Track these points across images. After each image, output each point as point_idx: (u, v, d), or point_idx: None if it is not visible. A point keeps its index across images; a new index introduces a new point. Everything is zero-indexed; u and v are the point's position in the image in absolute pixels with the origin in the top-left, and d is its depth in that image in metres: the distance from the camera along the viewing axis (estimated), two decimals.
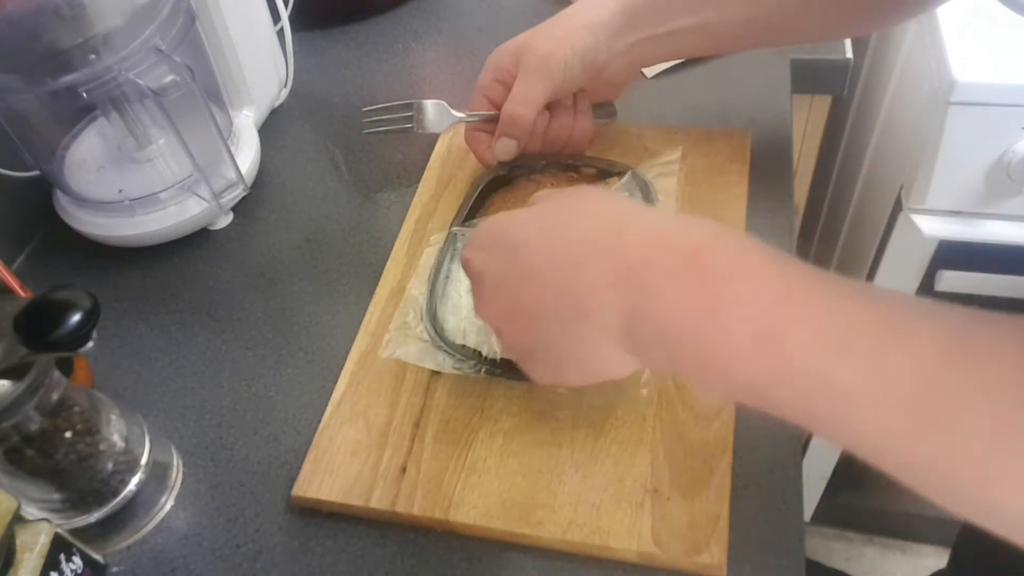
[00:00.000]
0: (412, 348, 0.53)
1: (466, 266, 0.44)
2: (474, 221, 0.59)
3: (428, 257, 0.57)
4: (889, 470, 0.30)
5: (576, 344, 0.39)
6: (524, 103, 0.58)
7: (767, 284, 0.33)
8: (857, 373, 0.30)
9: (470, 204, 0.59)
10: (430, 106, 0.64)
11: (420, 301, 0.54)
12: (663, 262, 0.35)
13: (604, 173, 0.60)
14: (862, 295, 0.32)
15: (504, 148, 0.60)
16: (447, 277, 0.56)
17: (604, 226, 0.39)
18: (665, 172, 0.60)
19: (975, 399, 0.28)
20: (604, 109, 0.65)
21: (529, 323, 0.40)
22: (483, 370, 0.51)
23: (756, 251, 0.35)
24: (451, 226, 0.59)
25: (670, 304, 0.35)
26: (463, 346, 0.51)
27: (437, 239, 0.59)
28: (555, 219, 0.41)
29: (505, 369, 0.50)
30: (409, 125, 0.64)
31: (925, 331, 0.30)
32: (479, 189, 0.60)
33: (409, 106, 0.64)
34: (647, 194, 0.57)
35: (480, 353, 0.51)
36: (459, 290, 0.55)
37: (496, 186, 0.62)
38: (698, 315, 0.34)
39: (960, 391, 0.28)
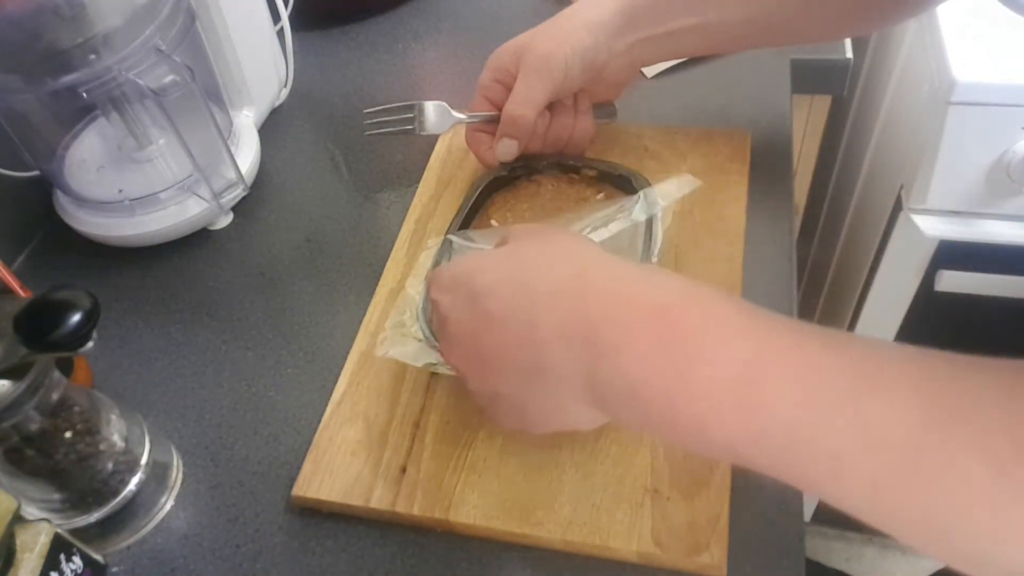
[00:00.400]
0: (407, 347, 0.53)
1: (433, 307, 0.43)
2: (470, 231, 0.58)
3: (426, 259, 0.57)
4: (884, 527, 0.29)
5: (538, 396, 0.38)
6: (525, 103, 0.58)
7: (741, 341, 0.32)
8: (841, 429, 0.29)
9: (470, 204, 0.59)
10: (431, 107, 0.64)
11: (416, 300, 0.54)
12: (627, 319, 0.34)
13: (604, 175, 0.60)
14: (839, 346, 0.31)
15: (505, 149, 0.60)
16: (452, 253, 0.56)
17: (565, 278, 0.37)
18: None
19: (963, 452, 0.27)
20: (604, 109, 0.65)
21: (491, 372, 0.40)
22: None
23: (725, 306, 0.34)
24: (449, 229, 0.59)
25: (637, 363, 0.34)
26: None
27: (435, 242, 0.58)
28: (518, 266, 0.40)
29: None
30: (410, 126, 0.64)
31: (906, 381, 0.29)
32: (479, 189, 0.60)
33: (410, 107, 0.64)
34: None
35: None
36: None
37: (496, 186, 0.62)
38: (669, 375, 0.33)
39: (948, 444, 0.27)
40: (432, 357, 0.52)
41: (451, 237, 0.57)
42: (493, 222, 0.59)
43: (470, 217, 0.60)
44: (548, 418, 0.40)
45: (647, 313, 0.34)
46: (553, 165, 0.62)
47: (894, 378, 0.29)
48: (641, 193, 0.56)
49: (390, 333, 0.55)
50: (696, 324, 0.33)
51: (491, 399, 0.41)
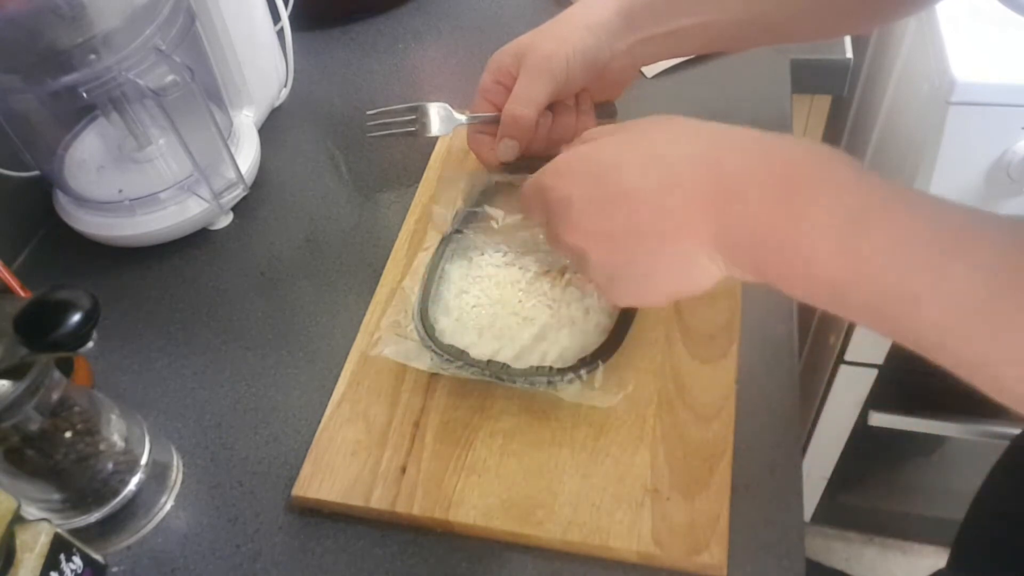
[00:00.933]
0: (402, 347, 0.53)
1: (545, 193, 0.44)
2: (470, 224, 0.59)
3: (425, 259, 0.57)
4: (944, 364, 0.33)
5: (666, 260, 0.41)
6: (526, 103, 0.58)
7: (848, 197, 0.35)
8: (925, 279, 0.33)
9: (470, 205, 0.59)
10: (434, 109, 0.64)
11: (412, 300, 0.54)
12: (758, 175, 0.38)
13: None
14: (937, 209, 0.34)
15: (506, 149, 0.60)
16: (440, 278, 0.56)
17: (700, 143, 0.41)
18: None
19: None
20: (605, 108, 0.65)
21: (620, 243, 0.41)
22: (471, 371, 0.51)
23: (842, 166, 0.37)
24: (449, 227, 0.59)
25: (762, 213, 0.37)
26: (451, 346, 0.51)
27: (433, 242, 0.58)
28: (645, 141, 0.42)
29: (493, 371, 0.50)
30: (412, 128, 0.64)
31: (990, 247, 0.32)
32: (480, 190, 0.60)
33: (413, 109, 0.64)
34: None
35: (468, 353, 0.51)
36: (451, 291, 0.55)
37: (497, 187, 0.62)
38: (785, 224, 0.36)
39: (1017, 301, 0.31)
40: (425, 358, 0.52)
41: (450, 234, 0.57)
42: (493, 223, 0.59)
43: (470, 217, 0.60)
44: (670, 283, 0.42)
45: (773, 169, 0.37)
46: None
47: (979, 242, 0.32)
48: None
49: (385, 333, 0.55)
50: (814, 177, 0.36)
51: (615, 271, 0.43)
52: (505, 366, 0.50)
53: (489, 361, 0.51)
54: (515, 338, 0.52)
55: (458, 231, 0.58)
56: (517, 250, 0.57)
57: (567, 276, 0.55)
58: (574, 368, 0.49)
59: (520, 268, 0.56)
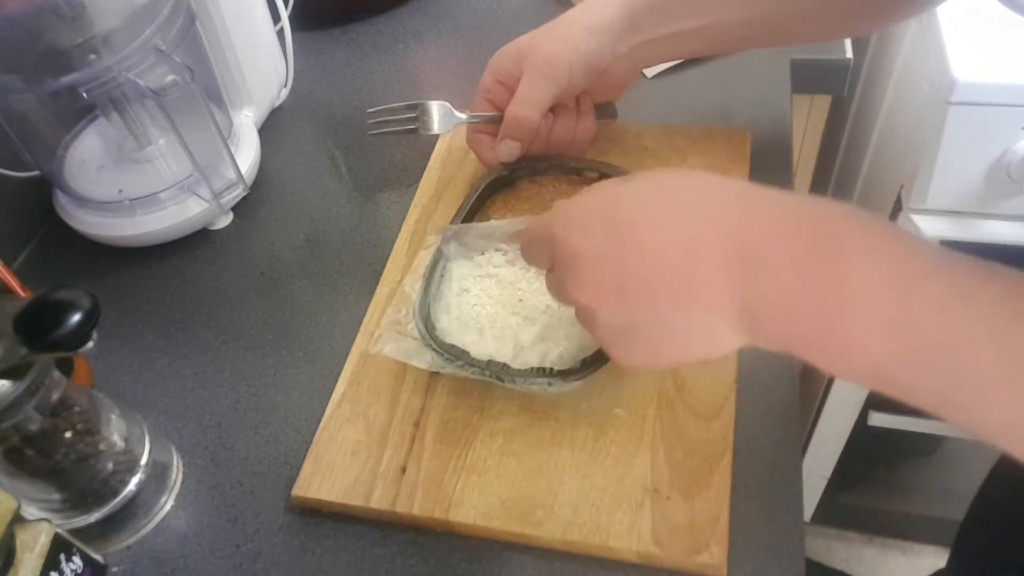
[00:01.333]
0: (402, 345, 0.53)
1: (554, 244, 0.41)
2: (473, 224, 0.59)
3: (425, 258, 0.57)
4: (1017, 453, 0.31)
5: (683, 325, 0.38)
6: (529, 105, 0.58)
7: (896, 263, 0.33)
8: (992, 356, 0.29)
9: (470, 204, 0.59)
10: (434, 107, 0.64)
11: (413, 299, 0.54)
12: (786, 239, 0.35)
13: (606, 177, 0.60)
14: (992, 274, 0.31)
15: (507, 149, 0.60)
16: (442, 276, 0.56)
17: (722, 204, 0.38)
18: None
19: None
20: (605, 109, 0.65)
21: (632, 303, 0.39)
22: (471, 371, 0.51)
23: (880, 228, 0.34)
24: (449, 224, 0.58)
25: (793, 282, 0.34)
26: (452, 346, 0.51)
27: (433, 241, 0.58)
28: (665, 197, 0.39)
29: (493, 371, 0.50)
30: (413, 126, 0.64)
31: None
32: (480, 189, 0.60)
33: (413, 107, 0.64)
34: None
35: (468, 353, 0.51)
36: (452, 290, 0.55)
37: (497, 187, 0.62)
38: (824, 294, 0.33)
39: None
40: (426, 356, 0.52)
41: (453, 227, 0.56)
42: (493, 223, 0.59)
43: (470, 216, 0.60)
44: (685, 348, 0.39)
45: (804, 233, 0.35)
46: (555, 166, 0.62)
47: None
48: None
49: (386, 331, 0.55)
50: (850, 242, 0.34)
51: (624, 332, 0.40)
52: (505, 366, 0.50)
53: (489, 361, 0.51)
54: (516, 338, 0.52)
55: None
56: (518, 249, 0.57)
57: None
58: (574, 371, 0.49)
59: (522, 268, 0.56)
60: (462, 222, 0.59)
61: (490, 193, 0.61)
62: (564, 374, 0.49)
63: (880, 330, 0.32)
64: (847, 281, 0.33)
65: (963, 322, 0.30)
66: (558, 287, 0.42)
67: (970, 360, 0.30)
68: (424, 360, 0.52)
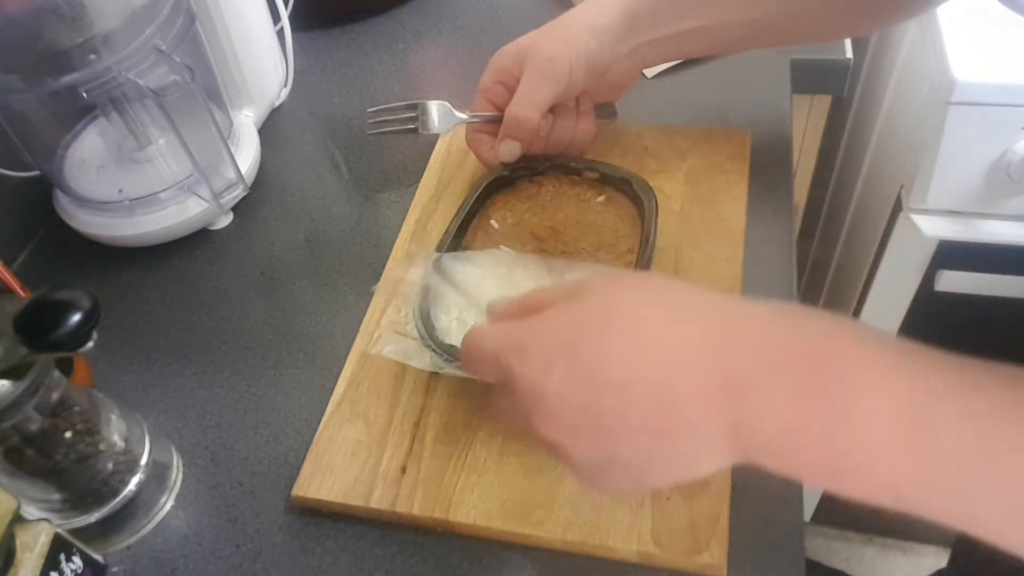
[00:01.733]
0: (401, 346, 0.53)
1: (515, 379, 0.36)
2: (462, 253, 0.57)
3: (416, 275, 0.55)
4: None
5: (667, 456, 0.35)
6: (529, 105, 0.58)
7: (902, 378, 0.30)
8: (1018, 472, 0.28)
9: (470, 204, 0.59)
10: (434, 107, 0.64)
11: (412, 299, 0.54)
12: (777, 361, 0.32)
13: (606, 177, 0.60)
14: (1004, 381, 0.29)
15: (508, 149, 0.60)
16: (442, 276, 0.56)
17: (697, 327, 0.34)
18: None
19: None
20: (605, 109, 0.65)
21: (609, 440, 0.35)
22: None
23: (875, 340, 0.32)
24: (448, 228, 0.58)
25: (792, 414, 0.31)
26: (451, 346, 0.51)
27: (426, 256, 0.56)
28: (630, 323, 0.35)
29: None
30: (413, 126, 0.64)
31: None
32: (480, 189, 0.60)
33: (413, 107, 0.64)
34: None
35: None
36: (452, 290, 0.55)
37: (497, 186, 0.62)
38: (829, 416, 0.30)
39: None
40: (425, 357, 0.52)
41: (443, 256, 0.55)
42: (493, 222, 0.59)
43: (470, 216, 0.60)
44: (671, 475, 0.36)
45: (797, 353, 0.32)
46: (555, 166, 0.62)
47: None
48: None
49: (385, 332, 0.55)
50: (852, 361, 0.31)
51: (603, 467, 0.36)
52: None
53: None
54: None
55: (453, 246, 0.57)
56: (518, 249, 0.57)
57: (567, 276, 0.55)
58: None
59: (522, 267, 0.56)
60: (462, 220, 0.59)
61: (490, 193, 0.61)
62: None
63: (895, 457, 0.29)
64: (853, 409, 0.30)
65: (983, 439, 0.28)
66: (514, 416, 0.37)
67: (994, 479, 0.28)
68: (423, 360, 0.52)
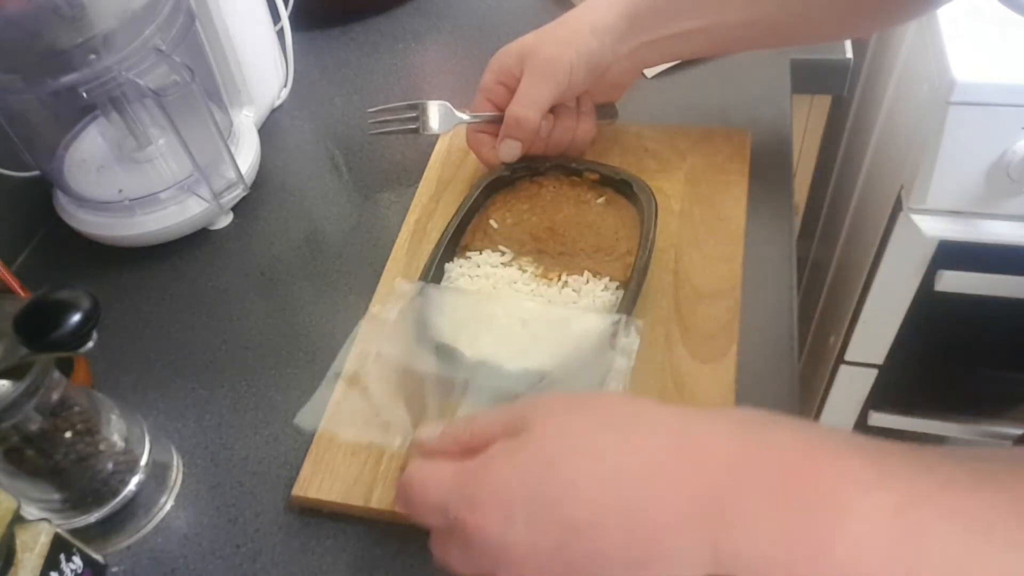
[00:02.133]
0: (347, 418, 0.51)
1: (473, 535, 0.34)
2: (446, 287, 0.55)
3: (401, 293, 0.54)
4: None
5: None
6: (530, 105, 0.58)
7: (885, 491, 0.30)
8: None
9: (471, 202, 0.59)
10: (435, 107, 0.64)
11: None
12: (751, 481, 0.31)
13: (606, 179, 0.60)
14: (987, 478, 0.29)
15: (508, 149, 0.60)
16: (439, 274, 0.56)
17: (665, 453, 0.33)
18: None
19: None
20: (605, 109, 0.65)
21: None
22: (461, 371, 0.50)
23: (853, 451, 0.31)
24: (448, 225, 0.58)
25: (774, 529, 0.30)
26: (443, 344, 0.51)
27: (407, 288, 0.54)
28: (587, 452, 0.34)
29: (483, 372, 0.50)
30: (414, 126, 0.64)
31: None
32: (480, 188, 0.60)
33: (414, 107, 0.64)
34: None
35: (459, 352, 0.51)
36: (448, 288, 0.56)
37: (498, 186, 0.62)
38: (813, 538, 0.30)
39: None
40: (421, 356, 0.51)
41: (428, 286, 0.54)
42: (492, 222, 0.59)
43: (470, 215, 0.60)
44: None
45: (770, 471, 0.31)
46: (556, 167, 0.62)
47: None
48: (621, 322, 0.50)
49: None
50: (828, 477, 0.30)
51: None
52: (498, 367, 0.50)
53: (479, 362, 0.50)
54: (509, 339, 0.52)
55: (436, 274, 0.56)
56: (516, 250, 0.57)
57: (564, 278, 0.55)
58: (568, 369, 0.49)
59: (519, 268, 0.56)
60: (462, 219, 0.59)
61: (490, 192, 0.61)
62: (559, 374, 0.49)
63: (886, 570, 0.29)
64: (837, 532, 0.29)
65: (970, 546, 0.28)
66: (471, 567, 0.35)
67: None
68: (410, 358, 0.52)
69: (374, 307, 0.56)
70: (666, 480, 0.32)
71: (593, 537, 0.32)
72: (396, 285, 0.55)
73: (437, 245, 0.57)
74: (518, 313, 0.53)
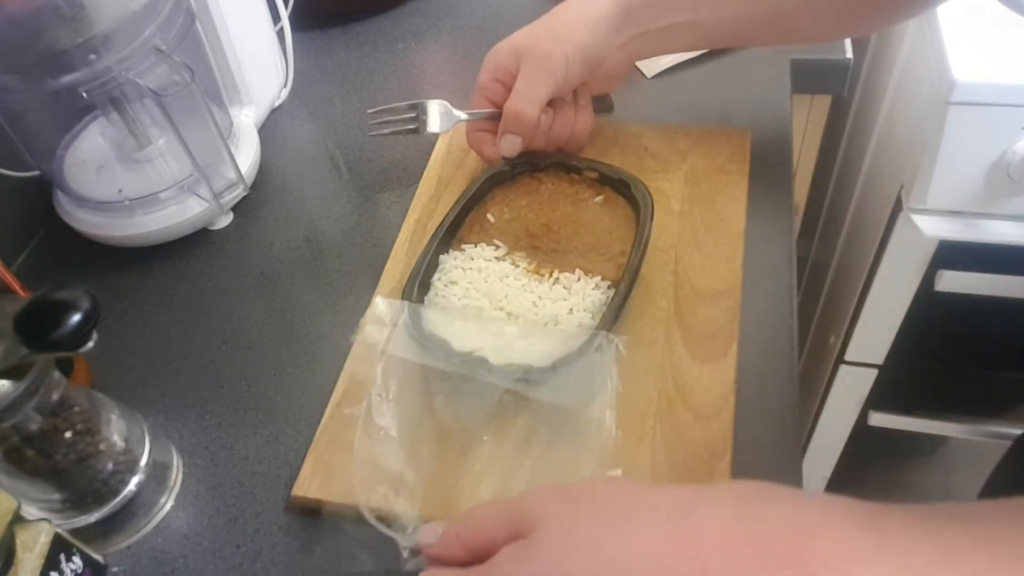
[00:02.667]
0: (383, 332, 0.52)
1: None
2: (431, 307, 0.55)
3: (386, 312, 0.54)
4: None
5: None
6: (528, 100, 0.58)
7: (885, 567, 0.30)
8: None
9: (469, 196, 0.60)
10: (434, 106, 0.64)
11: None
12: (756, 566, 0.31)
13: (605, 178, 0.60)
14: (985, 538, 0.29)
15: (508, 145, 0.60)
16: (432, 266, 0.56)
17: (664, 545, 0.33)
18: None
19: None
20: (602, 103, 0.65)
21: None
22: (451, 363, 0.50)
23: (856, 527, 0.31)
24: (444, 220, 0.58)
25: None
26: (432, 335, 0.51)
27: (388, 305, 0.54)
28: (594, 552, 0.34)
29: (472, 364, 0.50)
30: (414, 126, 0.64)
31: None
32: (481, 182, 0.61)
33: (413, 107, 0.64)
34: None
35: (448, 344, 0.51)
36: (441, 280, 0.56)
37: (497, 181, 0.62)
38: None
39: None
40: (408, 344, 0.51)
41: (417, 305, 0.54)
42: (489, 216, 0.59)
43: (468, 208, 0.60)
44: None
45: (779, 552, 0.31)
46: (556, 164, 0.62)
47: None
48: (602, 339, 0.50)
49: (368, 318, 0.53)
50: (835, 552, 0.30)
51: None
52: (483, 360, 0.50)
53: (468, 354, 0.50)
54: (499, 333, 0.52)
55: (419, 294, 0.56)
56: (511, 245, 0.57)
57: (555, 275, 0.55)
58: (553, 367, 0.49)
59: (512, 263, 0.56)
60: (460, 211, 0.59)
61: (490, 187, 0.61)
62: (543, 371, 0.49)
63: None
64: None
65: None
66: None
67: None
68: (401, 348, 0.52)
69: (364, 329, 0.55)
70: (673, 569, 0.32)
71: None
72: (377, 305, 0.54)
73: (433, 236, 0.57)
74: (506, 308, 0.53)
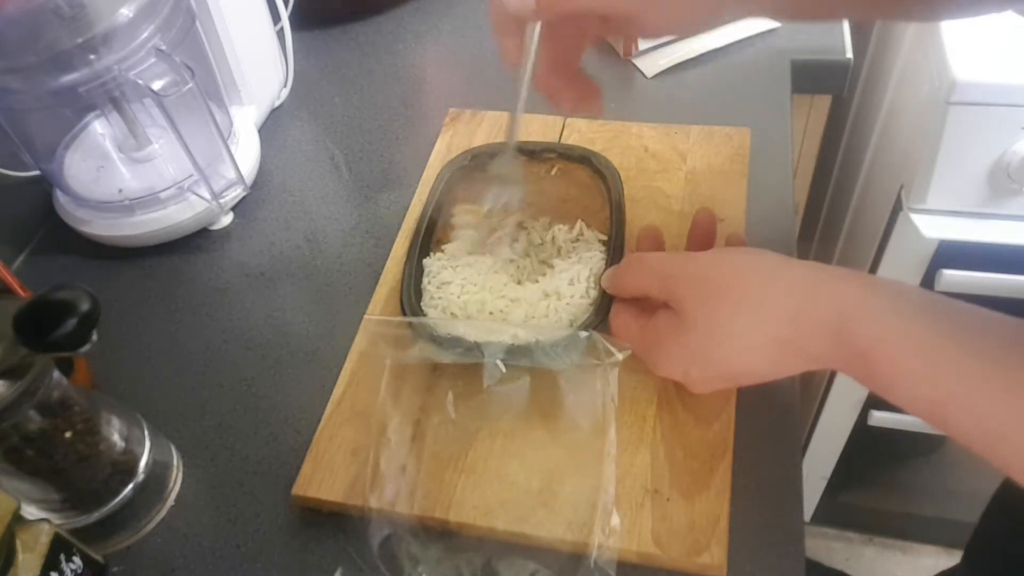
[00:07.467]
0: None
1: (684, 312, 0.45)
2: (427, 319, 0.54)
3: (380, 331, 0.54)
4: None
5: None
6: None
7: (917, 352, 0.38)
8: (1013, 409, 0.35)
9: (435, 200, 0.60)
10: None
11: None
12: (814, 336, 0.41)
13: (562, 156, 0.62)
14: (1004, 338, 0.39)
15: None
16: (419, 273, 0.57)
17: (784, 328, 0.42)
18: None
19: None
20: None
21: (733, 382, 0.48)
22: (469, 356, 0.50)
23: (892, 312, 0.39)
24: (420, 222, 0.59)
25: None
26: (442, 328, 0.51)
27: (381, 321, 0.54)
28: (732, 336, 0.44)
29: (489, 350, 0.49)
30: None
31: None
32: (443, 182, 0.61)
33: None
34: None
35: (462, 339, 0.51)
36: (433, 284, 0.56)
37: (457, 179, 0.62)
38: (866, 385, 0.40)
39: None
40: (417, 347, 0.51)
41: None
42: (460, 211, 0.60)
43: (438, 209, 0.60)
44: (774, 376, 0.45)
45: (826, 327, 0.40)
46: (525, 151, 0.62)
47: None
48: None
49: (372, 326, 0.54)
50: (869, 338, 0.39)
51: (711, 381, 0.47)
52: (501, 344, 0.49)
53: (481, 343, 0.50)
54: (507, 320, 0.52)
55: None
56: (484, 237, 0.58)
57: (542, 256, 0.56)
58: (570, 337, 0.49)
59: (490, 254, 0.56)
60: (432, 209, 0.60)
61: (451, 186, 0.62)
62: (556, 343, 0.49)
63: (923, 415, 0.39)
64: (884, 384, 0.39)
65: (989, 396, 0.36)
66: (643, 341, 0.48)
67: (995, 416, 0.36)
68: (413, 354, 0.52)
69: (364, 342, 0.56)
70: (786, 352, 0.42)
71: (746, 376, 0.46)
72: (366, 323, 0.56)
73: (412, 245, 0.57)
74: (508, 295, 0.54)
